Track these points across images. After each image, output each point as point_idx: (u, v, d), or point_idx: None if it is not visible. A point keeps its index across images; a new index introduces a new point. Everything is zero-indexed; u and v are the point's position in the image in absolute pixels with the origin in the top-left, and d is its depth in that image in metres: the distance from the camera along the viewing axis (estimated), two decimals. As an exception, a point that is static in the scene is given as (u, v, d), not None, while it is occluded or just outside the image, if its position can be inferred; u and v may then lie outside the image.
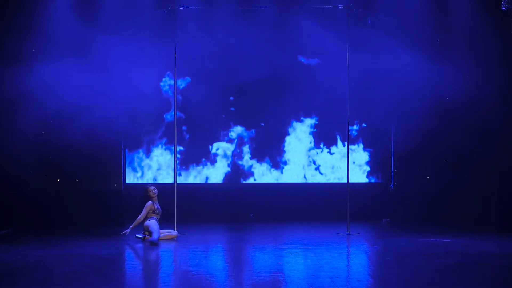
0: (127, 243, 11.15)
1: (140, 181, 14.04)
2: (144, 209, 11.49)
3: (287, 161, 14.24)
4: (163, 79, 14.00)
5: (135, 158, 14.11)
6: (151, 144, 14.14)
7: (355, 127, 14.11)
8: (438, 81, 13.52)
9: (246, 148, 14.22)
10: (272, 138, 14.24)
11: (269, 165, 14.23)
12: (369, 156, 14.29)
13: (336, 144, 14.24)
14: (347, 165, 12.44)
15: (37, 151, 13.20)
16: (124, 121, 13.44)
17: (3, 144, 12.78)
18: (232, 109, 14.17)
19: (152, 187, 11.68)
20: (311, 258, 9.71)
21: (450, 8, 13.29)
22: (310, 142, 14.25)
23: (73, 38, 12.88)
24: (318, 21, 13.21)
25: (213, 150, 14.18)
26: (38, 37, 12.76)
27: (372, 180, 14.25)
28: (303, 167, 14.24)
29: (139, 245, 10.97)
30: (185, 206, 13.12)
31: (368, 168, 14.25)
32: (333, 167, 14.23)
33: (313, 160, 14.24)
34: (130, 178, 14.09)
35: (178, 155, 13.87)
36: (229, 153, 14.19)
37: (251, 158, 14.19)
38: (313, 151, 14.25)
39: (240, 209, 14.10)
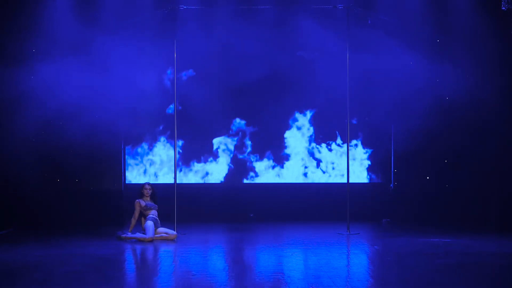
0: (127, 243, 11.15)
1: (142, 177, 14.04)
2: (135, 209, 11.56)
3: (288, 158, 14.26)
4: (164, 75, 13.96)
5: (138, 151, 14.10)
6: (153, 140, 14.14)
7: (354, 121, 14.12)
8: (438, 81, 13.53)
9: (247, 145, 14.23)
10: (272, 135, 14.25)
11: (271, 160, 14.24)
12: (369, 156, 14.29)
13: (336, 142, 14.24)
14: (347, 165, 12.44)
15: (37, 151, 13.21)
16: (124, 121, 13.44)
17: (3, 144, 12.78)
18: (232, 108, 14.18)
19: (147, 186, 11.70)
20: (311, 258, 9.71)
21: (450, 8, 13.29)
22: (310, 139, 14.26)
23: (73, 38, 12.88)
24: (318, 21, 13.21)
25: (215, 147, 14.21)
26: (38, 37, 12.77)
27: (373, 177, 14.25)
28: (304, 163, 14.25)
29: (139, 245, 10.96)
30: (185, 206, 13.11)
31: (368, 162, 14.25)
32: (333, 163, 14.25)
33: (314, 157, 14.25)
34: (134, 173, 14.08)
35: (179, 150, 13.91)
36: (231, 147, 14.21)
37: (252, 154, 14.21)
38: (314, 148, 14.26)
39: (240, 209, 14.10)
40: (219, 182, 14.24)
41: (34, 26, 12.81)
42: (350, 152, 12.84)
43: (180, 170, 14.04)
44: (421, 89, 13.44)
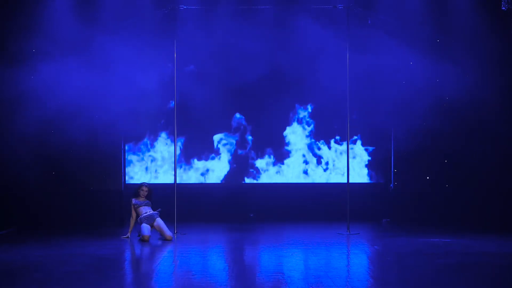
0: (127, 242, 11.15)
1: (143, 174, 14.04)
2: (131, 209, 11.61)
3: (289, 154, 14.28)
4: (164, 74, 13.96)
5: (141, 148, 14.13)
6: (154, 137, 14.15)
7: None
8: (438, 81, 13.54)
9: (248, 141, 14.24)
10: (272, 133, 14.27)
11: (271, 157, 14.25)
12: (369, 154, 14.29)
13: (335, 141, 14.25)
14: (347, 165, 12.44)
15: (37, 151, 13.22)
16: (124, 121, 13.44)
17: (3, 144, 12.79)
18: (232, 106, 14.20)
19: (145, 188, 11.68)
20: (311, 258, 9.71)
21: (450, 8, 13.30)
22: (310, 138, 14.27)
23: (73, 38, 12.90)
24: (318, 21, 13.21)
25: (215, 144, 14.23)
26: (38, 37, 12.77)
27: (373, 174, 14.26)
28: (305, 159, 14.27)
29: (139, 245, 10.97)
30: (185, 206, 13.11)
31: (368, 158, 14.25)
32: (334, 160, 14.26)
33: (314, 153, 14.27)
34: (136, 169, 14.08)
35: (180, 147, 13.94)
36: (232, 144, 14.23)
37: (253, 151, 14.22)
38: (314, 145, 14.28)
39: (240, 209, 14.10)
40: (219, 181, 14.25)
41: (34, 26, 12.82)
42: (350, 151, 12.84)
43: (180, 167, 14.04)
44: (421, 89, 13.46)
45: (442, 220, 13.53)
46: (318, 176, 14.28)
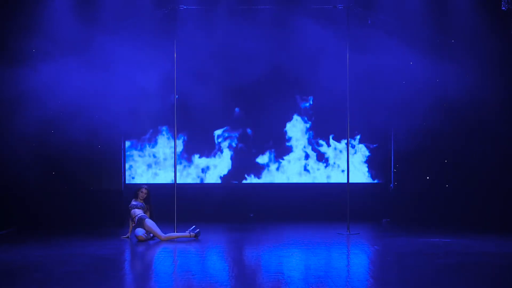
0: (127, 242, 11.15)
1: (145, 173, 14.05)
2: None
3: (289, 151, 14.29)
4: (164, 73, 13.97)
5: (145, 145, 14.15)
6: (155, 133, 14.16)
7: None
8: (438, 81, 13.54)
9: (247, 143, 14.25)
10: (273, 132, 14.28)
11: (272, 154, 14.26)
12: (369, 154, 14.30)
13: (335, 140, 14.26)
14: (347, 165, 12.44)
15: (38, 151, 13.23)
16: (124, 121, 13.44)
17: (3, 144, 12.79)
18: (232, 105, 14.22)
19: (144, 190, 11.67)
20: (311, 258, 9.71)
21: (450, 8, 13.30)
22: (310, 137, 14.27)
23: (73, 38, 12.90)
24: (318, 21, 13.22)
25: (216, 141, 14.24)
26: (38, 37, 12.77)
27: (373, 173, 14.26)
28: (305, 156, 14.27)
29: (139, 245, 10.97)
30: (185, 206, 13.11)
31: (367, 154, 14.26)
32: (334, 161, 14.26)
33: (314, 150, 14.28)
34: (139, 165, 14.08)
35: (181, 143, 13.95)
36: (233, 141, 14.24)
37: (253, 148, 14.24)
38: (314, 143, 14.29)
39: (240, 209, 14.10)
40: (219, 181, 14.26)
41: (34, 26, 12.82)
42: (350, 150, 12.84)
43: (180, 163, 14.04)
44: (421, 89, 13.46)
45: (442, 220, 13.54)
46: (319, 174, 14.28)
